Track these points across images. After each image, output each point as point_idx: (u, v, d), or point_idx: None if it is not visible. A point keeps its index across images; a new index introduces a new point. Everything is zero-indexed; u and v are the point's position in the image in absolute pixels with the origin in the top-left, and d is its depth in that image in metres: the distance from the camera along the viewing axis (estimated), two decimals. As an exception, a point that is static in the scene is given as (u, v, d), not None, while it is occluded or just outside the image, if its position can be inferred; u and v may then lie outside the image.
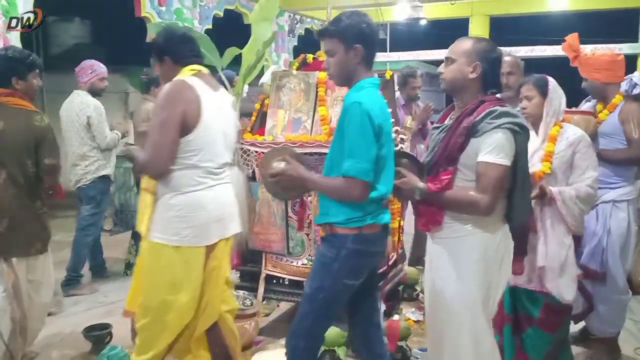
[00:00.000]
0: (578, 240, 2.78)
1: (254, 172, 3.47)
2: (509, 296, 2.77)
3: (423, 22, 9.24)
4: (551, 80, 2.75)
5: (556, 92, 2.73)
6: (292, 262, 3.46)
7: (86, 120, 4.40)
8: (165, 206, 2.39)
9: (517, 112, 2.31)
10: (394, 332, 3.12)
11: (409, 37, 10.83)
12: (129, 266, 4.88)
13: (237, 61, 3.73)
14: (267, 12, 3.50)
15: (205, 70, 2.56)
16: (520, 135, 2.11)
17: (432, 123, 3.58)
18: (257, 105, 3.65)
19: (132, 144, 3.28)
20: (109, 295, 4.45)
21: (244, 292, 3.51)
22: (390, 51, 10.39)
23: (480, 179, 2.11)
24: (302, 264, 3.41)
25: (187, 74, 2.45)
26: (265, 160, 2.81)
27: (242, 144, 3.41)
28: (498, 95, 2.28)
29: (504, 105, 2.18)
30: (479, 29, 9.06)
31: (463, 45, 2.21)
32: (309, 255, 3.38)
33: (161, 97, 2.35)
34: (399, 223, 3.64)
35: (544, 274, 2.67)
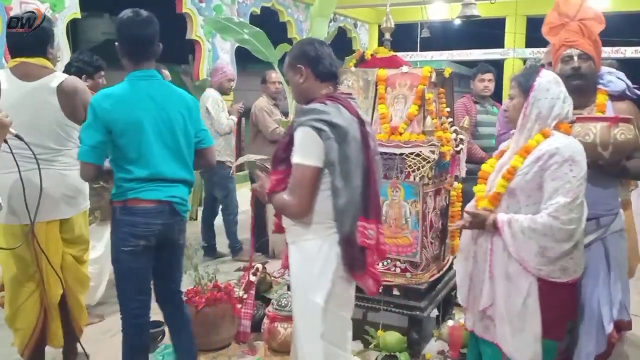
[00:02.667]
0: (569, 288, 2.15)
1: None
2: (474, 346, 2.39)
3: (457, 22, 9.16)
4: (544, 76, 2.15)
5: (546, 92, 2.12)
6: (347, 264, 3.38)
7: (205, 110, 4.84)
8: None
9: (333, 108, 2.04)
10: (457, 340, 3.03)
11: (442, 36, 10.71)
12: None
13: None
14: (325, 8, 3.43)
15: (30, 60, 2.66)
16: (325, 133, 1.96)
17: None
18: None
19: None
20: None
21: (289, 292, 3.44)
22: (420, 50, 10.31)
23: (290, 180, 2.03)
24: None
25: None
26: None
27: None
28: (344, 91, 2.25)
29: (337, 100, 2.06)
30: (515, 28, 8.92)
31: (287, 58, 2.21)
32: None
33: None
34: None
35: (494, 323, 2.20)
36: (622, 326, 2.42)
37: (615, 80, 2.47)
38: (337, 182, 2.00)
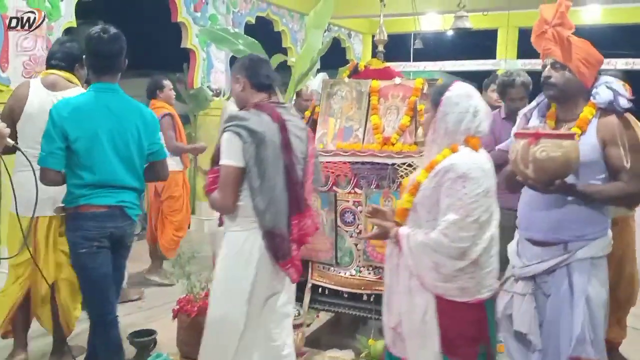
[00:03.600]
0: (473, 308, 2.02)
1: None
2: None
3: (450, 33, 9.24)
4: (454, 90, 2.07)
5: (455, 106, 2.05)
6: (339, 273, 3.40)
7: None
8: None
9: (254, 115, 2.31)
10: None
11: (435, 47, 10.80)
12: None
13: (280, 67, 3.76)
14: (320, 20, 3.48)
15: (59, 73, 3.02)
16: (243, 137, 2.22)
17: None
18: (308, 113, 3.62)
19: None
20: (147, 300, 4.43)
21: (290, 302, 3.46)
22: (414, 61, 10.39)
23: (219, 179, 2.30)
24: (350, 275, 3.35)
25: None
26: None
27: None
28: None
29: (261, 108, 2.33)
30: (507, 40, 9.03)
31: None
32: (357, 265, 3.33)
33: None
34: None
35: (401, 338, 2.13)
36: None
37: (602, 91, 2.24)
38: (254, 182, 2.25)
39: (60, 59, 3.05)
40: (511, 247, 2.49)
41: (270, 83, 2.41)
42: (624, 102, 2.24)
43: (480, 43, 10.55)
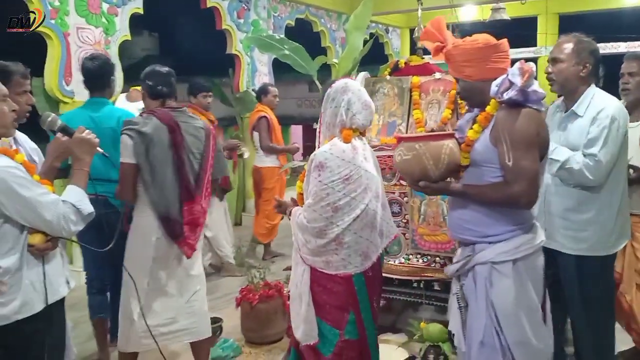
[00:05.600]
0: (340, 281, 2.25)
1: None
2: None
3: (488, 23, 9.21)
4: (334, 86, 2.30)
5: (332, 101, 2.28)
6: (389, 261, 3.55)
7: None
8: None
9: (145, 120, 2.70)
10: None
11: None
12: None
13: (322, 68, 3.95)
14: (361, 22, 3.64)
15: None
16: (134, 138, 2.61)
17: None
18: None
19: None
20: (210, 292, 4.66)
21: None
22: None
23: None
24: (400, 262, 3.51)
25: None
26: None
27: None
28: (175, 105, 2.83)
29: (152, 113, 2.71)
30: (547, 27, 8.94)
31: None
32: (406, 253, 3.49)
33: None
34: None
35: None
36: None
37: (494, 83, 2.06)
38: (146, 176, 2.66)
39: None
40: None
41: (161, 92, 2.81)
42: (511, 93, 1.99)
43: (519, 31, 10.45)
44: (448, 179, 2.15)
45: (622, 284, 2.98)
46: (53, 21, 4.62)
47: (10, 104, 1.97)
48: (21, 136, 2.29)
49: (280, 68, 6.83)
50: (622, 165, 2.58)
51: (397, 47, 10.53)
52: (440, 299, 3.27)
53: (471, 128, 2.12)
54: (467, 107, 3.26)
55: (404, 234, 3.48)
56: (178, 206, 2.73)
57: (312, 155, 2.27)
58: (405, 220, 3.45)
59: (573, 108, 2.55)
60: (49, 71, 4.68)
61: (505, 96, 1.99)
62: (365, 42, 3.77)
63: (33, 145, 2.34)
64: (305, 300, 2.29)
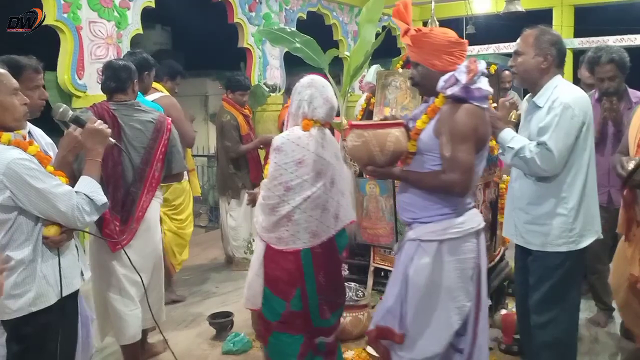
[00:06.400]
0: (289, 256, 2.48)
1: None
2: None
3: (502, 14, 9.10)
4: (302, 80, 2.55)
5: (297, 94, 2.53)
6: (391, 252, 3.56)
7: None
8: None
9: (82, 112, 2.67)
10: (510, 326, 3.16)
11: (487, 29, 10.65)
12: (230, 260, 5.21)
13: (334, 61, 3.91)
14: (373, 14, 3.61)
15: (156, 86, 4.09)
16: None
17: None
18: (364, 105, 3.77)
19: None
20: (220, 286, 4.73)
21: (355, 284, 3.64)
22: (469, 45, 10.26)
23: None
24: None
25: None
26: None
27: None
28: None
29: (92, 107, 2.84)
30: (563, 19, 8.82)
31: None
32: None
33: None
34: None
35: None
36: (381, 332, 2.32)
37: (442, 78, 2.20)
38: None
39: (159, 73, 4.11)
40: None
41: (112, 86, 2.94)
42: (455, 89, 2.14)
43: (534, 23, 10.31)
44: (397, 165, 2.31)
45: None
46: (66, 15, 4.64)
47: (21, 97, 1.99)
48: (36, 130, 2.30)
49: (292, 62, 6.80)
50: (583, 157, 2.47)
51: (410, 40, 10.43)
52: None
53: (420, 118, 2.29)
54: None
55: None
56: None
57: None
58: (417, 215, 3.44)
59: (534, 99, 2.52)
60: (62, 65, 4.69)
61: (449, 92, 2.15)
62: (377, 35, 3.72)
63: (48, 139, 2.35)
64: (254, 270, 2.54)
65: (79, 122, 2.16)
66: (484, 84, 2.16)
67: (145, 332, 3.25)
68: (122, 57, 3.18)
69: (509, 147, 2.47)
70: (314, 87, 2.52)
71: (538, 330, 2.56)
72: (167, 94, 4.17)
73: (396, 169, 2.28)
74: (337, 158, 2.56)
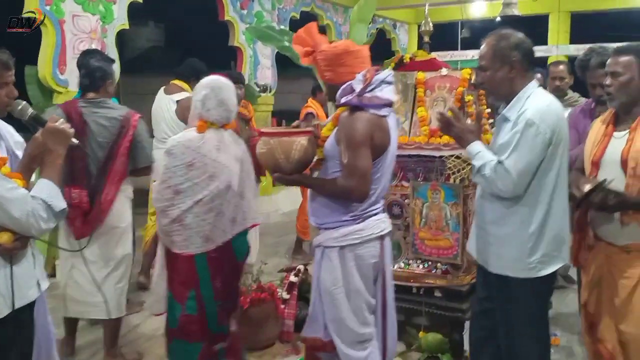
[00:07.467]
0: (182, 259, 2.48)
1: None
2: None
3: (498, 20, 9.02)
4: (201, 82, 2.56)
5: (195, 95, 2.54)
6: (388, 265, 3.43)
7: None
8: None
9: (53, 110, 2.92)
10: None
11: (483, 34, 10.56)
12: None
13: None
14: (364, 14, 3.49)
15: (176, 82, 4.38)
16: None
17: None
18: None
19: None
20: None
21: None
22: (462, 49, 10.18)
23: None
24: (399, 267, 3.35)
25: None
26: None
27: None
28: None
29: (62, 105, 2.97)
30: (559, 25, 8.74)
31: None
32: (406, 258, 3.34)
33: None
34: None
35: None
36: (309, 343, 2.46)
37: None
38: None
39: (183, 72, 4.41)
40: None
41: (83, 84, 3.05)
42: (348, 98, 2.22)
43: (530, 29, 10.25)
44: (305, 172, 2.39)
45: (600, 329, 2.41)
46: (48, 8, 4.47)
47: None
48: (5, 127, 2.12)
49: (285, 62, 6.68)
50: (548, 177, 2.20)
51: (405, 43, 10.35)
52: (441, 307, 3.13)
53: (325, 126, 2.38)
54: (473, 106, 3.12)
55: (405, 238, 3.33)
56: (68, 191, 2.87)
57: None
58: (406, 224, 3.31)
59: (504, 112, 2.28)
60: (43, 59, 4.53)
61: (343, 100, 2.23)
62: (369, 36, 3.60)
63: (18, 138, 2.16)
64: (157, 273, 2.58)
65: (38, 121, 1.99)
66: (385, 92, 2.23)
67: (116, 337, 3.19)
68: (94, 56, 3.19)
69: (472, 163, 2.28)
70: (210, 87, 2.52)
71: None
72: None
73: (299, 176, 2.34)
74: (237, 161, 2.55)
